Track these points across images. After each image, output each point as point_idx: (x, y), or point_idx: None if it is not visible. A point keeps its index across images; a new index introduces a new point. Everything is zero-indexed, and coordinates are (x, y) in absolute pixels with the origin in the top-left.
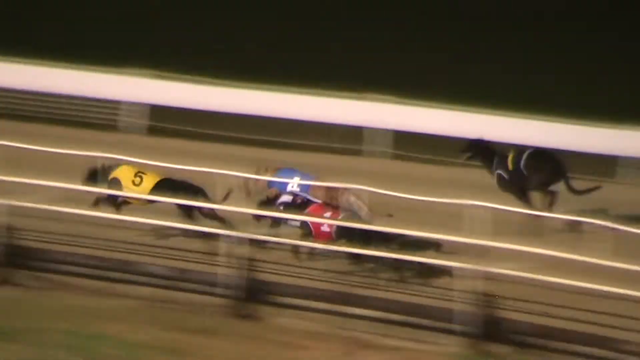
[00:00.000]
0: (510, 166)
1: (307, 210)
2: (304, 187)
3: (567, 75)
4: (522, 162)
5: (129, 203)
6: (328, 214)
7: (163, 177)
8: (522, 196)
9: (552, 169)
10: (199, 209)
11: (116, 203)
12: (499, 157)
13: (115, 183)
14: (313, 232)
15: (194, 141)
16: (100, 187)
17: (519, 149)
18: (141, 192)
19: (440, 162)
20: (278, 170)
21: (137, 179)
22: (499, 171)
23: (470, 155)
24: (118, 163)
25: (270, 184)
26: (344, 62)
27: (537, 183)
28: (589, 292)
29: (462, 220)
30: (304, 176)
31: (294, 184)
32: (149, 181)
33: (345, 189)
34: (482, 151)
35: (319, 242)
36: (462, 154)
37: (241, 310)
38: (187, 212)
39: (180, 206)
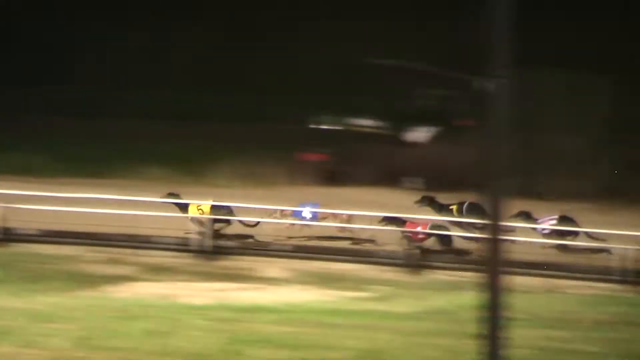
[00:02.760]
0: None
1: (405, 225)
2: (313, 214)
3: None
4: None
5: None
6: (419, 227)
7: (212, 203)
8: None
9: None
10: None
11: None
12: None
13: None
14: (413, 237)
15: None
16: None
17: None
18: (205, 214)
19: None
20: (299, 204)
21: (200, 211)
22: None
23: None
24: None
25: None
26: None
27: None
28: None
29: None
30: (313, 206)
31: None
32: (206, 207)
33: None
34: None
35: (418, 243)
36: (416, 203)
37: None
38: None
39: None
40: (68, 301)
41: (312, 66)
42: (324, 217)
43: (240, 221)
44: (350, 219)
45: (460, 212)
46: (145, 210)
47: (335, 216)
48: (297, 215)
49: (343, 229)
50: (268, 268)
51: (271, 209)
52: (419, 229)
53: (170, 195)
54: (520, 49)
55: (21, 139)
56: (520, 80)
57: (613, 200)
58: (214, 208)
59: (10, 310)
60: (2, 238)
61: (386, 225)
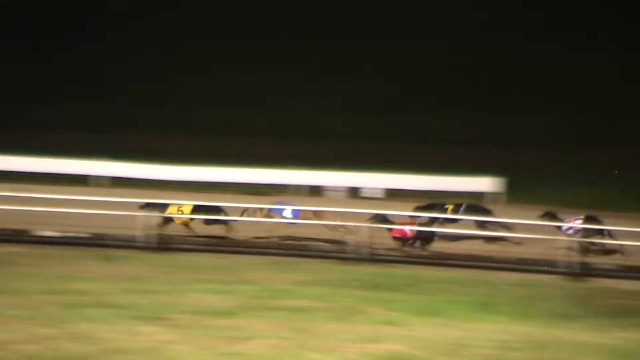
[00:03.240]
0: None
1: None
2: (295, 212)
3: None
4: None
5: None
6: (408, 226)
7: (194, 204)
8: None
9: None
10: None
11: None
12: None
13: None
14: (401, 237)
15: None
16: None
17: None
18: (185, 215)
19: None
20: (278, 202)
21: (179, 212)
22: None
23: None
24: (167, 205)
25: (272, 210)
26: None
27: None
28: None
29: None
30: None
31: (287, 210)
32: (187, 209)
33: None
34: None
35: (406, 240)
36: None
37: None
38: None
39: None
40: None
41: None
42: (306, 216)
43: (221, 220)
44: (329, 216)
45: (456, 212)
46: None
47: (316, 214)
48: (277, 213)
49: (334, 228)
50: None
51: (250, 207)
52: (407, 226)
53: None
54: None
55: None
56: None
57: None
58: (196, 208)
59: (590, 345)
60: (579, 273)
61: (375, 223)
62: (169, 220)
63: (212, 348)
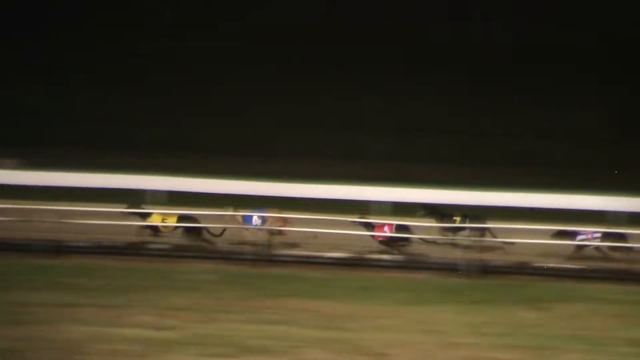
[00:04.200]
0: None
1: (375, 226)
2: (263, 219)
3: None
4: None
5: (160, 231)
6: (386, 227)
7: (179, 214)
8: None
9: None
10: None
11: (156, 232)
12: (446, 216)
13: (152, 224)
14: (376, 237)
15: None
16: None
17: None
18: (170, 225)
19: None
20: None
21: (164, 222)
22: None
23: (424, 213)
24: (150, 213)
25: (244, 219)
26: None
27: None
28: None
29: None
30: (261, 214)
31: (255, 217)
32: (172, 219)
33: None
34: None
35: (381, 241)
36: (418, 212)
37: None
38: (193, 230)
39: (188, 228)
40: None
41: None
42: (272, 221)
43: (207, 229)
44: (287, 222)
45: (463, 222)
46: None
47: (284, 220)
48: (247, 220)
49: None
50: None
51: (227, 214)
52: (385, 229)
53: (132, 206)
54: None
55: None
56: None
57: None
58: (181, 217)
59: None
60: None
61: (359, 229)
62: (155, 229)
63: None
